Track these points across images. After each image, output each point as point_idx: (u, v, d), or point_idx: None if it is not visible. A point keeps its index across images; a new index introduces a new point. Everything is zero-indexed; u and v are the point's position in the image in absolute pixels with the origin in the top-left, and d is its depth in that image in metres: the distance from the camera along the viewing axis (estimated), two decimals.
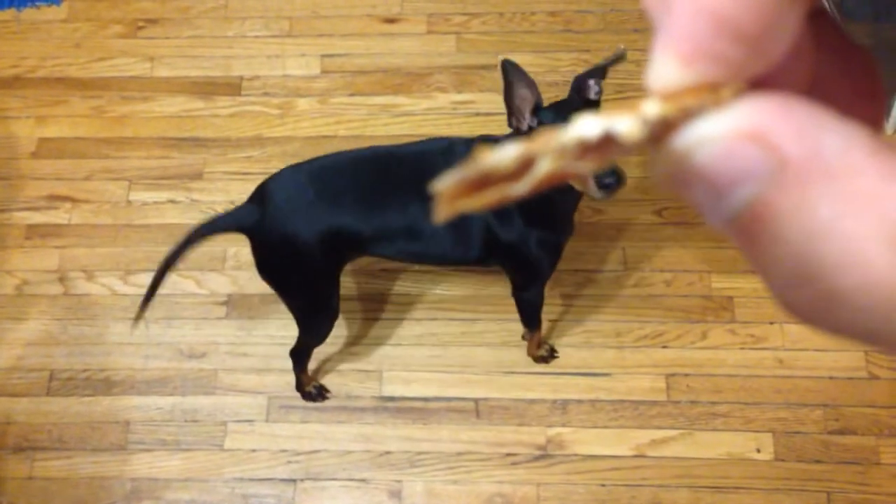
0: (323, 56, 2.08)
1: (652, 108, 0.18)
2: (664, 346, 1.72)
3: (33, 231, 1.91)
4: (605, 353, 1.72)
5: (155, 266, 1.84)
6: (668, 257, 1.79)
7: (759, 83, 0.18)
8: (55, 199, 1.94)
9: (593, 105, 1.32)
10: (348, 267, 1.82)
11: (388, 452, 1.67)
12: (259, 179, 1.92)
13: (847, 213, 0.16)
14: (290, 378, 1.73)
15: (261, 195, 1.47)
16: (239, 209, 1.50)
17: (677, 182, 0.18)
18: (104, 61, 2.11)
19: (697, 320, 1.73)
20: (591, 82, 1.33)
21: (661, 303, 1.76)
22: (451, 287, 1.80)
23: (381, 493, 1.64)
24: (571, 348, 1.72)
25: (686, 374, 1.69)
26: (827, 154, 0.16)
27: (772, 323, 1.71)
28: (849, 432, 1.63)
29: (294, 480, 1.66)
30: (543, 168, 0.18)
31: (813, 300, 0.17)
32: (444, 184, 0.18)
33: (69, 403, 1.75)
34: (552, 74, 2.01)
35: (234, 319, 1.80)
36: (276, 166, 1.94)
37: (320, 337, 1.59)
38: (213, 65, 2.09)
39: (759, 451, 1.62)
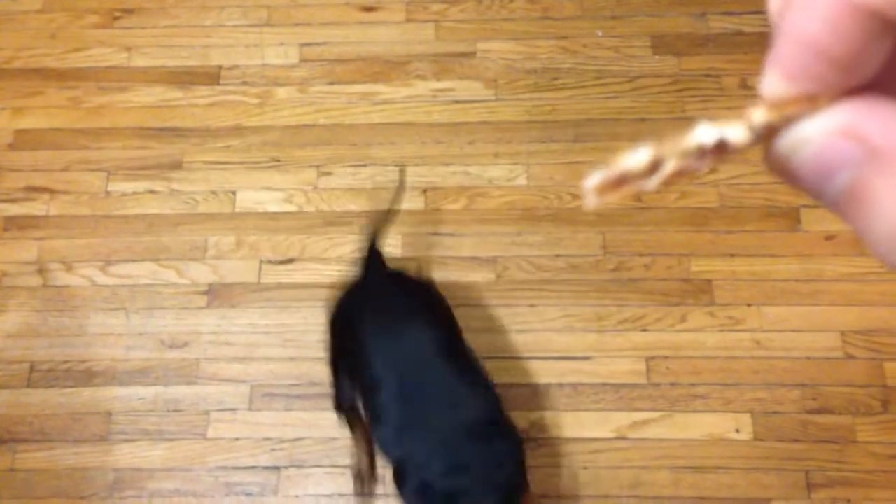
0: (301, 45, 2.07)
1: (758, 116, 0.22)
2: (644, 330, 1.73)
3: (11, 223, 1.90)
4: (586, 336, 1.73)
5: (135, 256, 1.85)
6: (648, 241, 1.80)
7: (857, 90, 0.21)
8: (33, 191, 1.93)
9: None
10: (332, 254, 1.83)
11: None
12: (239, 169, 1.92)
13: None
14: (273, 366, 1.74)
15: None
16: None
17: (786, 173, 0.22)
18: (81, 52, 2.10)
19: (677, 303, 1.75)
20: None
21: (640, 286, 1.77)
22: (432, 273, 1.80)
23: None
24: (552, 332, 1.74)
25: (666, 357, 1.71)
26: None
27: (749, 305, 1.73)
28: (826, 411, 1.65)
29: (278, 468, 1.66)
30: (669, 167, 0.22)
31: None
32: (592, 181, 0.22)
33: (50, 395, 1.74)
34: (531, 61, 2.02)
35: (216, 309, 1.80)
36: (255, 155, 1.94)
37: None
38: (190, 54, 2.08)
39: (738, 431, 1.64)
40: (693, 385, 1.68)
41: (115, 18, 2.13)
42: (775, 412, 1.65)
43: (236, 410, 1.71)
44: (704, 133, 0.21)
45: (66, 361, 1.77)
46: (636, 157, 0.22)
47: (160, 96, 2.03)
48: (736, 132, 0.22)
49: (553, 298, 1.77)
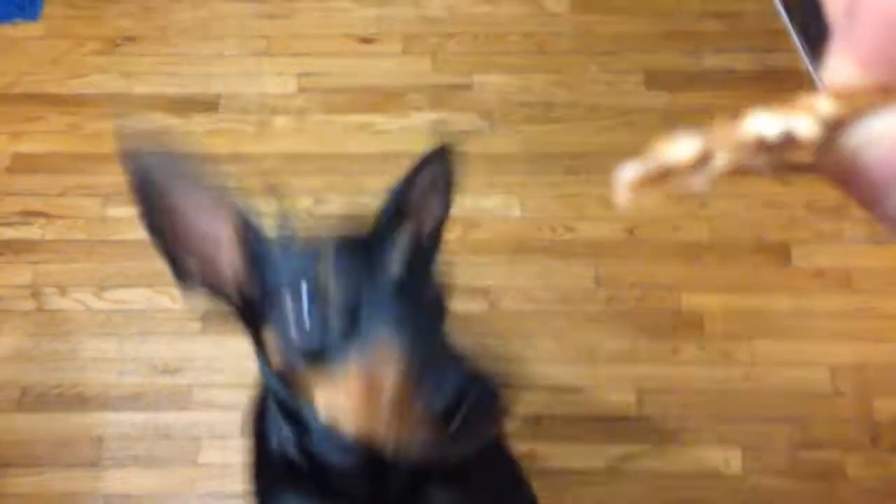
0: (300, 74, 2.10)
1: (826, 107, 0.18)
2: (635, 362, 1.74)
3: (6, 246, 1.90)
4: (578, 368, 1.74)
5: (130, 281, 1.85)
6: (640, 274, 1.82)
7: None
8: (29, 215, 1.94)
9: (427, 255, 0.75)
10: None
11: None
12: (234, 195, 1.93)
13: None
14: None
15: None
16: None
17: (844, 176, 0.19)
18: (81, 78, 2.12)
19: (668, 336, 1.76)
20: (431, 204, 0.79)
21: (632, 319, 1.78)
22: None
23: None
24: (544, 363, 1.74)
25: (657, 390, 1.72)
26: None
27: (740, 339, 1.74)
28: (815, 447, 1.66)
29: None
30: (721, 162, 0.18)
31: None
32: (627, 174, 0.18)
33: (41, 419, 1.74)
34: (526, 94, 2.04)
35: (210, 335, 1.80)
36: (251, 183, 1.95)
37: None
38: (190, 82, 2.10)
39: (728, 465, 1.65)
40: (683, 418, 1.69)
41: (116, 46, 2.16)
42: (765, 447, 1.66)
43: (228, 437, 1.71)
44: (766, 124, 0.18)
45: (57, 386, 1.76)
46: (681, 148, 0.18)
47: (159, 123, 2.04)
48: (804, 124, 0.18)
49: (545, 330, 1.78)
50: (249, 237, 0.70)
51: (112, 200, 1.94)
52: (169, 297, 1.84)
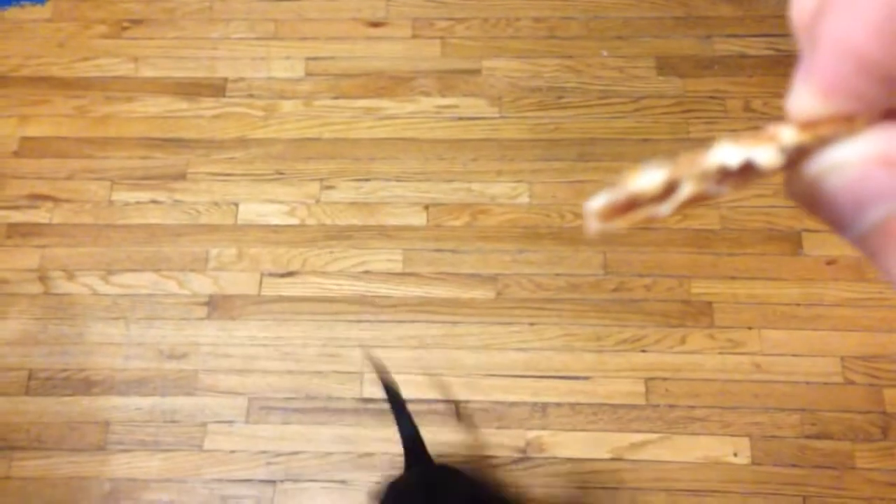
0: (308, 59, 2.08)
1: (789, 137, 0.19)
2: (643, 350, 1.73)
3: (14, 230, 1.90)
4: (585, 356, 1.73)
5: (137, 266, 1.85)
6: (649, 262, 1.80)
7: (893, 113, 0.19)
8: (37, 199, 1.94)
9: None
10: (332, 268, 1.83)
11: (368, 454, 1.67)
12: (242, 181, 1.93)
13: None
14: (271, 379, 1.73)
15: None
16: None
17: (811, 202, 0.19)
18: (88, 61, 2.11)
19: (676, 325, 1.75)
20: None
21: (640, 307, 1.77)
22: (433, 290, 1.80)
23: (361, 495, 1.65)
24: (552, 351, 1.73)
25: (665, 379, 1.70)
26: None
27: (750, 328, 1.73)
28: (825, 437, 1.64)
29: (274, 482, 1.66)
30: (686, 191, 0.19)
31: None
32: (597, 204, 0.19)
33: (48, 403, 1.74)
34: (535, 80, 2.02)
35: (216, 320, 1.80)
36: (258, 168, 1.95)
37: None
38: (197, 66, 2.09)
39: (736, 455, 1.64)
40: (691, 407, 1.68)
41: (124, 29, 2.14)
42: (774, 436, 1.65)
43: (233, 423, 1.71)
44: (728, 154, 0.19)
45: (64, 370, 1.77)
46: (648, 179, 0.19)
47: (166, 107, 2.03)
48: (765, 154, 0.19)
49: (553, 317, 1.77)
50: None
51: (119, 185, 1.94)
52: (176, 283, 1.83)
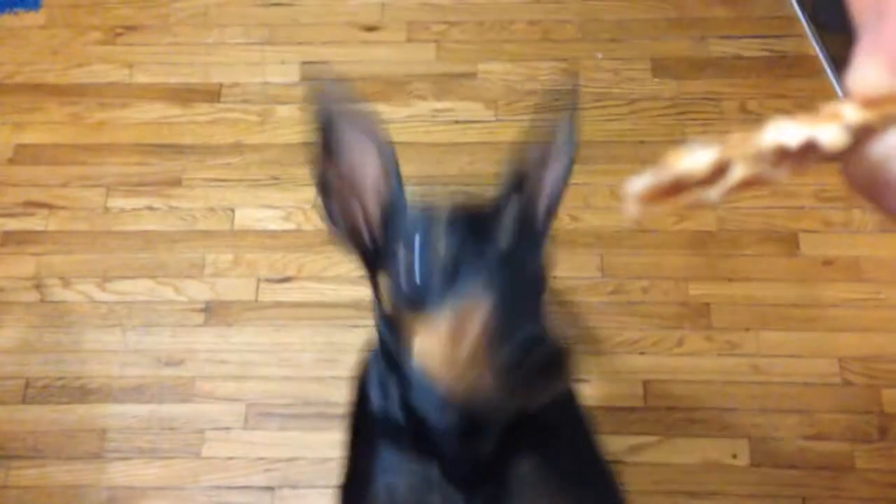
0: (303, 63, 2.08)
1: (853, 115, 0.17)
2: (641, 353, 1.73)
3: (9, 238, 1.90)
4: (583, 359, 1.73)
5: (133, 273, 1.84)
6: (646, 264, 1.80)
7: None
8: (32, 206, 1.93)
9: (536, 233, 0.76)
10: (330, 273, 1.83)
11: None
12: (238, 186, 1.92)
13: None
14: (269, 386, 1.73)
15: None
16: None
17: (872, 187, 0.18)
18: (82, 68, 2.10)
19: (674, 327, 1.75)
20: (546, 181, 0.79)
21: (638, 309, 1.77)
22: None
23: None
24: None
25: (663, 381, 1.70)
26: None
27: (747, 330, 1.73)
28: (823, 438, 1.64)
29: (272, 488, 1.65)
30: (738, 174, 0.17)
31: None
32: (639, 185, 0.17)
33: (45, 411, 1.73)
34: (531, 83, 2.02)
35: (213, 326, 1.79)
36: (254, 173, 1.94)
37: None
38: (192, 71, 2.08)
39: (735, 456, 1.63)
40: (690, 409, 1.68)
41: (118, 35, 2.14)
42: (773, 438, 1.65)
43: (231, 429, 1.70)
44: (788, 132, 0.17)
45: (61, 378, 1.76)
46: (696, 160, 0.17)
47: (160, 113, 2.03)
48: (829, 132, 0.17)
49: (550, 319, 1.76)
50: (390, 186, 0.76)
51: (114, 191, 1.94)
52: (172, 289, 1.83)
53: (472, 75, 2.04)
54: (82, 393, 1.74)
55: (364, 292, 1.78)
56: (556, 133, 0.78)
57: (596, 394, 1.70)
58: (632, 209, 0.17)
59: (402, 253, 0.69)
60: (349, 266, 1.83)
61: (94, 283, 1.84)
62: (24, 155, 1.99)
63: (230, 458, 1.68)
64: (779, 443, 1.64)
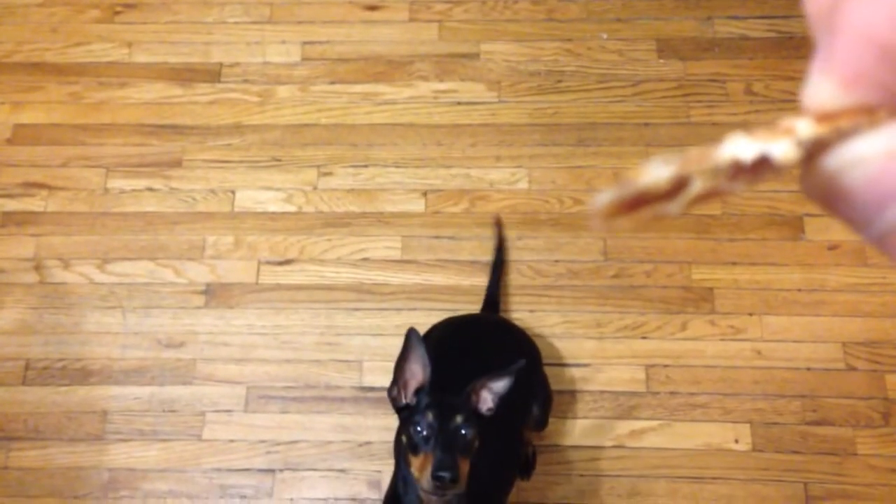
0: (304, 43, 2.06)
1: (806, 129, 0.18)
2: (644, 337, 1.72)
3: (9, 218, 1.88)
4: (586, 343, 1.72)
5: (133, 254, 1.83)
6: (649, 248, 1.79)
7: None
8: (31, 187, 1.92)
9: (478, 417, 1.21)
10: (330, 256, 1.82)
11: (367, 443, 1.67)
12: (239, 168, 1.91)
13: None
14: (269, 368, 1.73)
15: None
16: None
17: (828, 199, 0.18)
18: (81, 46, 2.08)
19: (677, 311, 1.74)
20: (488, 395, 1.23)
21: (641, 293, 1.76)
22: (432, 277, 1.79)
23: (360, 484, 1.64)
24: (552, 338, 1.72)
25: (666, 365, 1.69)
26: None
27: (751, 314, 1.72)
28: (826, 423, 1.64)
29: (273, 471, 1.65)
30: (696, 188, 0.18)
31: None
32: (602, 201, 0.18)
33: (45, 393, 1.73)
34: (534, 63, 2.00)
35: (213, 309, 1.79)
36: (255, 155, 1.93)
37: None
38: (191, 51, 2.06)
39: (737, 441, 1.63)
40: (693, 394, 1.67)
41: (117, 13, 2.12)
42: (775, 423, 1.64)
43: (232, 412, 1.70)
44: (742, 147, 0.17)
45: (61, 359, 1.75)
46: (655, 175, 0.18)
47: (160, 93, 2.01)
48: (782, 147, 0.18)
49: (553, 304, 1.76)
50: (424, 385, 1.22)
51: (114, 172, 1.92)
52: (172, 271, 1.82)
53: (474, 56, 2.02)
54: (83, 375, 1.74)
55: (363, 275, 1.77)
56: (507, 373, 1.22)
57: (598, 378, 1.69)
58: (597, 224, 0.18)
59: (413, 422, 1.18)
60: (350, 249, 1.82)
61: (94, 264, 1.83)
62: (23, 135, 1.98)
63: (231, 441, 1.68)
64: (781, 428, 1.64)
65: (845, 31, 0.18)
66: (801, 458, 1.61)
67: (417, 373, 1.22)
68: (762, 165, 0.18)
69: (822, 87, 0.18)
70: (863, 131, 0.18)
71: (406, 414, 1.23)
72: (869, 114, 0.18)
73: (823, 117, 0.18)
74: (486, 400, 1.23)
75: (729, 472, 1.61)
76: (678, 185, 0.18)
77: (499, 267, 1.74)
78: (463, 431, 1.17)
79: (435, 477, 1.13)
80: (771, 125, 0.18)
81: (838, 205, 0.19)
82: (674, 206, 0.18)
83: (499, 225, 1.78)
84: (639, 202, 0.18)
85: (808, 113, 0.18)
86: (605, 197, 0.18)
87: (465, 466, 1.16)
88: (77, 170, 1.93)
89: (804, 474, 1.60)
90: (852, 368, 1.67)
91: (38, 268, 1.84)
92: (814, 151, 0.18)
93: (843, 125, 0.18)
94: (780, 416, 1.65)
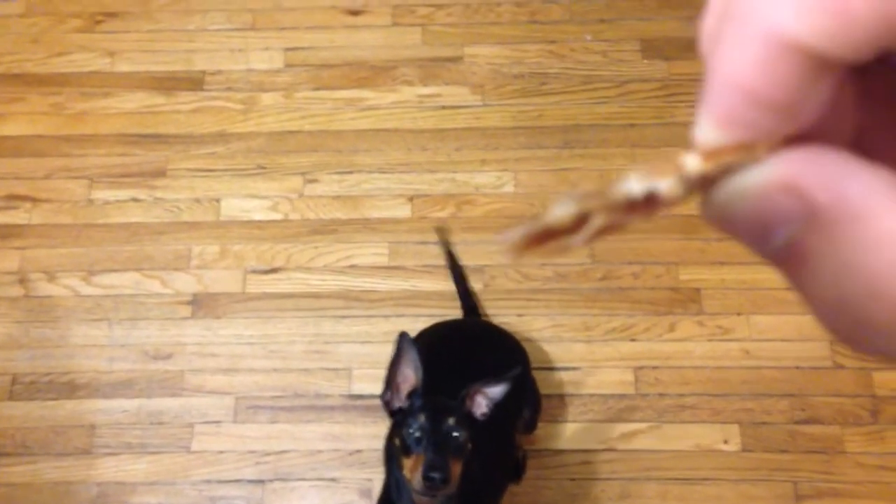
0: (286, 49, 2.05)
1: (693, 166, 0.20)
2: (632, 339, 1.72)
3: None
4: (574, 346, 1.72)
5: (118, 266, 1.82)
6: (636, 250, 1.79)
7: (799, 137, 0.20)
8: (14, 199, 1.90)
9: (471, 421, 1.23)
10: (317, 263, 1.81)
11: (358, 451, 1.66)
12: (223, 176, 1.90)
13: (870, 252, 0.18)
14: (257, 378, 1.72)
15: None
16: None
17: (723, 226, 0.20)
18: (63, 56, 2.07)
19: (665, 312, 1.74)
20: (483, 401, 1.25)
21: (629, 295, 1.76)
22: (420, 283, 1.79)
23: (351, 493, 1.64)
24: (540, 342, 1.72)
25: (654, 367, 1.70)
26: (851, 199, 0.18)
27: (739, 314, 1.72)
28: (815, 422, 1.64)
29: (263, 481, 1.65)
30: (597, 223, 0.20)
31: (850, 327, 0.19)
32: (512, 237, 0.20)
33: (32, 407, 1.72)
34: (518, 66, 2.00)
35: (200, 319, 1.78)
36: (240, 163, 1.92)
37: None
38: (174, 59, 2.05)
39: (726, 442, 1.63)
40: (681, 395, 1.67)
41: (98, 22, 2.10)
42: (764, 423, 1.64)
43: (220, 423, 1.69)
44: (633, 186, 0.19)
45: (48, 373, 1.74)
46: (561, 212, 0.20)
47: (143, 102, 2.00)
48: (667, 185, 0.20)
49: (541, 308, 1.75)
50: (416, 389, 1.23)
51: (98, 183, 1.91)
52: (159, 282, 1.81)
53: (458, 59, 2.01)
54: (70, 388, 1.73)
55: (351, 282, 1.77)
56: (504, 380, 1.24)
57: (587, 381, 1.69)
58: (510, 257, 0.20)
59: (407, 424, 1.19)
60: (337, 256, 1.82)
61: (79, 276, 1.83)
62: (5, 147, 1.96)
63: (220, 452, 1.67)
64: (770, 427, 1.64)
65: (716, 76, 0.19)
66: (790, 457, 1.62)
67: (410, 376, 1.23)
68: (653, 200, 0.20)
69: (703, 126, 0.20)
70: (745, 166, 0.19)
71: (399, 417, 1.24)
72: (749, 150, 0.19)
73: (709, 154, 0.19)
74: (481, 405, 1.25)
75: (719, 473, 1.61)
76: (581, 221, 0.20)
77: (458, 273, 1.72)
78: (455, 434, 1.18)
79: (426, 478, 1.14)
80: (666, 160, 0.20)
81: (732, 231, 0.20)
82: (577, 239, 0.20)
83: (441, 232, 1.74)
84: (546, 236, 0.20)
85: (697, 149, 0.20)
86: (516, 233, 0.20)
87: (456, 468, 1.17)
88: (61, 181, 1.92)
89: (793, 473, 1.61)
90: (840, 366, 1.67)
91: (22, 281, 1.83)
92: (706, 183, 0.20)
93: (726, 160, 0.19)
94: (769, 416, 1.65)
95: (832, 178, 0.18)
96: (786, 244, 0.19)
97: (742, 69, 0.18)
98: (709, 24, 0.20)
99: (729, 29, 0.19)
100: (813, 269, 0.19)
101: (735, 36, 0.18)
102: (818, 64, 0.18)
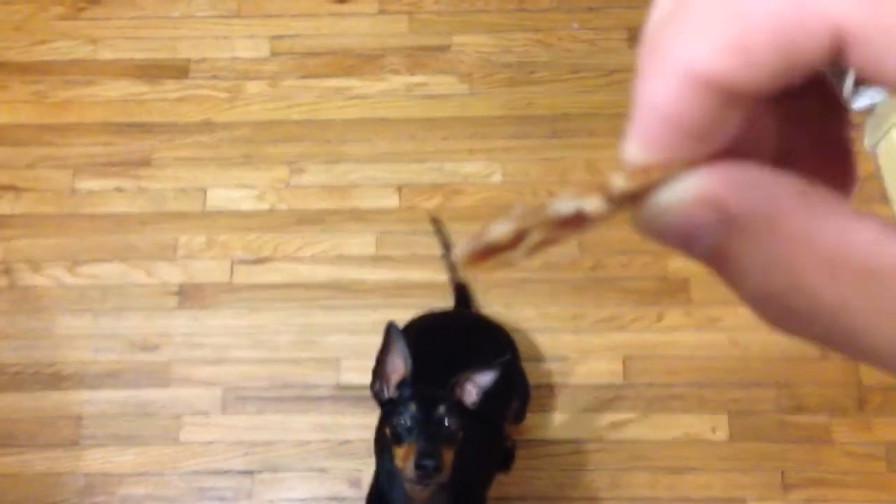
0: (272, 37, 2.03)
1: (618, 184, 0.21)
2: (621, 329, 1.72)
3: None
4: (563, 337, 1.72)
5: (103, 256, 1.81)
6: (625, 240, 1.78)
7: (723, 153, 0.21)
8: None
9: (461, 409, 1.23)
10: (305, 253, 1.80)
11: (347, 441, 1.66)
12: (209, 166, 1.88)
13: (784, 251, 0.20)
14: (245, 368, 1.71)
15: None
16: None
17: (654, 237, 0.22)
18: (45, 44, 2.04)
19: (653, 302, 1.74)
20: (472, 389, 1.25)
21: (617, 285, 1.76)
22: (408, 273, 1.78)
23: (340, 483, 1.63)
24: (530, 333, 1.72)
25: (643, 357, 1.70)
26: (762, 207, 0.20)
27: (726, 304, 1.72)
28: (802, 411, 1.65)
29: (251, 472, 1.64)
30: (533, 239, 0.21)
31: (780, 317, 0.21)
32: (460, 253, 0.22)
33: (18, 399, 1.71)
34: (506, 55, 1.99)
35: (187, 309, 1.77)
36: (226, 152, 1.90)
37: None
38: (158, 46, 2.03)
39: (714, 431, 1.64)
40: (670, 385, 1.68)
41: (80, 9, 2.07)
42: (752, 412, 1.65)
43: (209, 414, 1.69)
44: (562, 205, 0.21)
45: (33, 364, 1.73)
46: (499, 231, 0.21)
47: (127, 90, 1.98)
48: (593, 204, 0.21)
49: (529, 298, 1.75)
50: (406, 378, 1.23)
51: (82, 172, 1.89)
52: (144, 272, 1.80)
53: (446, 48, 2.00)
54: (56, 379, 1.72)
55: (339, 272, 1.76)
56: (493, 367, 1.25)
57: (576, 371, 1.70)
58: (464, 270, 0.22)
59: (397, 414, 1.20)
60: (324, 246, 1.81)
61: (63, 266, 1.81)
62: None
63: (209, 443, 1.66)
64: (758, 417, 1.65)
65: (641, 104, 0.21)
66: (778, 446, 1.63)
67: (399, 366, 1.24)
68: (581, 217, 0.21)
69: (632, 148, 0.21)
70: (668, 182, 0.21)
71: (389, 407, 1.24)
72: (672, 168, 0.21)
73: (635, 173, 0.21)
74: (471, 393, 1.25)
75: (707, 462, 1.62)
76: (519, 237, 0.21)
77: (452, 263, 1.71)
78: (446, 422, 1.19)
79: (418, 465, 1.14)
80: (596, 180, 0.21)
81: (661, 241, 0.22)
82: (517, 254, 0.22)
83: (436, 221, 1.76)
84: (490, 252, 0.21)
85: (625, 168, 0.21)
86: (464, 249, 0.21)
87: (448, 456, 1.18)
88: (44, 171, 1.90)
89: (781, 462, 1.62)
90: (827, 356, 1.68)
91: (6, 271, 1.81)
92: (635, 199, 0.21)
93: (652, 178, 0.21)
94: (757, 405, 1.66)
95: (745, 189, 0.20)
96: (708, 250, 0.21)
97: (663, 99, 0.20)
98: (642, 52, 0.22)
99: (653, 62, 0.21)
100: (739, 269, 0.21)
101: (658, 69, 0.20)
102: (728, 95, 0.20)
